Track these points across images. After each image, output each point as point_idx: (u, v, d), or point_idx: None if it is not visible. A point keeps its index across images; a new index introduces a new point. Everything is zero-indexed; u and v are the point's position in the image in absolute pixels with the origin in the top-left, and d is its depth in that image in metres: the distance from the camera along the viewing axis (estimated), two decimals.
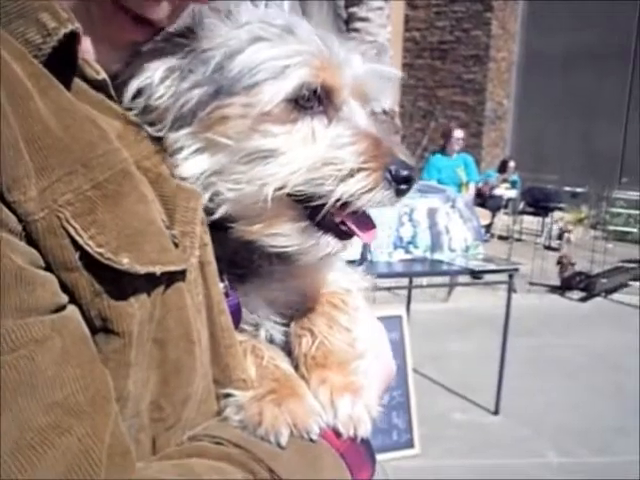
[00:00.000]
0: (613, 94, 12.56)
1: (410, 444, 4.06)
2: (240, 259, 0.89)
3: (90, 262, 0.65)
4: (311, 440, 0.78)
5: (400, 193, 0.82)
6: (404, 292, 5.68)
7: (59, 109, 0.67)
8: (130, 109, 0.81)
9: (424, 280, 6.14)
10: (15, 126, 0.62)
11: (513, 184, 11.46)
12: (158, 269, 0.69)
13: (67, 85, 0.72)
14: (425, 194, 4.68)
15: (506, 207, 11.32)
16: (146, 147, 0.79)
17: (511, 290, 4.72)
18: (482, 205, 10.32)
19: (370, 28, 3.28)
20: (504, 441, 4.37)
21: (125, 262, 0.66)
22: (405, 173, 0.82)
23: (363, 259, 3.67)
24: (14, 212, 0.61)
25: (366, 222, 0.86)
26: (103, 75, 0.77)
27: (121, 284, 0.67)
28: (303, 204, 0.83)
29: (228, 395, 0.81)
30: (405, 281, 5.60)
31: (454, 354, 5.84)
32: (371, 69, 0.89)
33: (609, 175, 11.90)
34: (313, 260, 0.87)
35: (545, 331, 6.73)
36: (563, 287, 8.36)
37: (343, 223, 0.84)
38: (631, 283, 8.64)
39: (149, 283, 0.69)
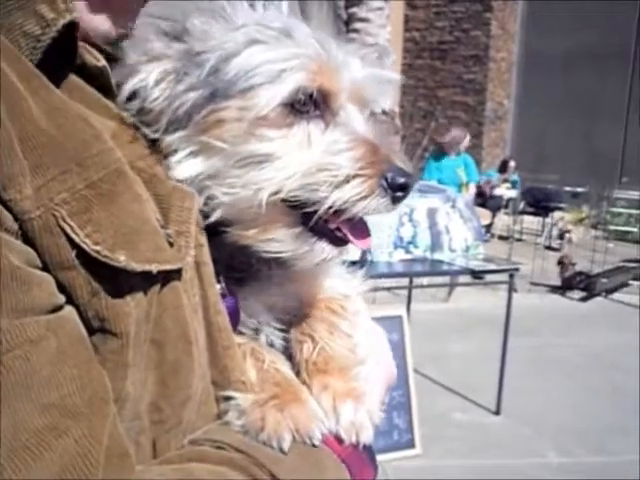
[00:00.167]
0: (613, 94, 12.54)
1: (411, 444, 4.05)
2: (238, 263, 0.88)
3: (87, 260, 0.65)
4: (313, 445, 0.77)
5: (396, 200, 0.81)
6: (404, 292, 5.67)
7: (51, 108, 0.67)
8: (126, 109, 0.80)
9: (424, 280, 6.13)
10: (9, 125, 0.62)
11: (513, 184, 11.44)
12: (154, 267, 0.69)
13: (65, 77, 0.72)
14: (425, 194, 4.68)
15: (506, 207, 11.30)
16: (140, 148, 0.79)
17: (512, 290, 4.72)
18: (482, 205, 10.30)
19: (370, 29, 3.28)
20: (505, 441, 4.36)
21: (122, 259, 0.66)
22: (402, 181, 0.80)
23: (364, 261, 3.66)
24: (10, 211, 0.61)
25: (361, 229, 0.85)
26: (103, 62, 0.77)
27: (117, 282, 0.67)
28: (298, 210, 0.82)
29: (228, 398, 0.80)
30: (405, 281, 5.59)
31: (455, 354, 5.83)
32: (370, 73, 0.88)
33: (609, 175, 11.88)
34: (309, 266, 0.86)
35: (546, 331, 6.72)
36: (564, 287, 8.34)
37: (338, 229, 0.83)
38: (632, 283, 8.63)
39: (145, 281, 0.69)
